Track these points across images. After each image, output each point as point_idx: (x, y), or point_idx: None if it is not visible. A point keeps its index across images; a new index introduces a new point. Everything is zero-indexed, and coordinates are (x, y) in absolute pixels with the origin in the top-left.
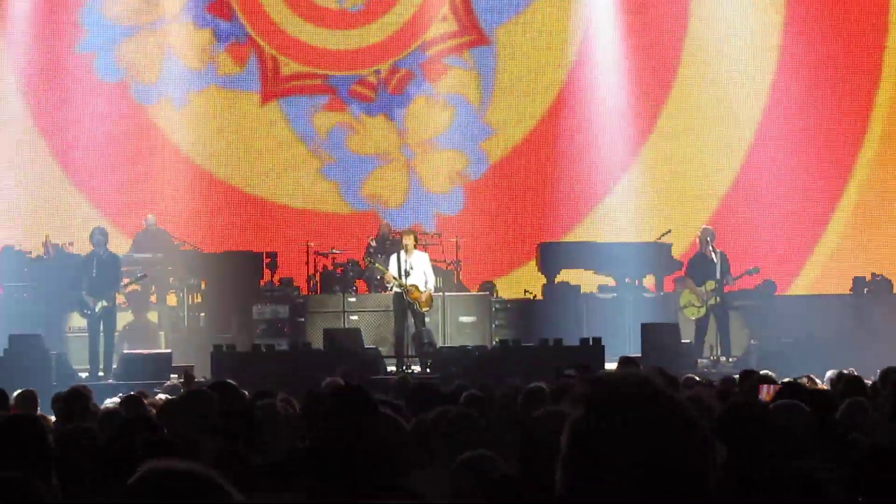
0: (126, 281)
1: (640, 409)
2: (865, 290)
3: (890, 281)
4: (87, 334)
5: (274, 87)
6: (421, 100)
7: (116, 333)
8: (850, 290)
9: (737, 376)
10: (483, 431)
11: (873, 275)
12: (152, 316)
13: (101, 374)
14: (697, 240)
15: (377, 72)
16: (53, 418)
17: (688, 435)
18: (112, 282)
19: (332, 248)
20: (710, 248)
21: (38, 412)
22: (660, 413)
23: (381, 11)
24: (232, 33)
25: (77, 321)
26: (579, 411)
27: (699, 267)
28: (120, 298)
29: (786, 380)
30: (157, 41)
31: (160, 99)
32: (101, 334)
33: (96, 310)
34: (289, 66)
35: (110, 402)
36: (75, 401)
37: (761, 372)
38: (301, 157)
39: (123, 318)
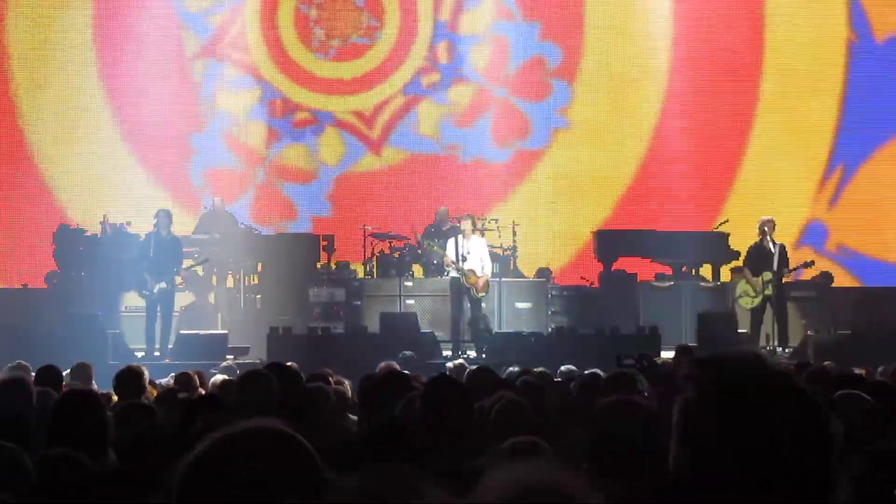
0: (188, 263)
1: (757, 389)
2: None
3: None
4: (142, 314)
5: (378, 127)
6: (474, 51)
7: (175, 314)
8: None
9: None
10: (534, 418)
11: None
12: (211, 297)
13: (156, 353)
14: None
15: (428, 59)
16: (115, 396)
17: (806, 415)
18: (172, 263)
19: (390, 232)
20: (769, 238)
21: (94, 387)
22: (776, 392)
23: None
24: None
25: (132, 301)
26: (691, 392)
27: (756, 257)
28: (178, 279)
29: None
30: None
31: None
32: (159, 315)
33: (154, 291)
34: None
35: (165, 381)
36: (131, 379)
37: (824, 363)
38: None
39: (184, 299)
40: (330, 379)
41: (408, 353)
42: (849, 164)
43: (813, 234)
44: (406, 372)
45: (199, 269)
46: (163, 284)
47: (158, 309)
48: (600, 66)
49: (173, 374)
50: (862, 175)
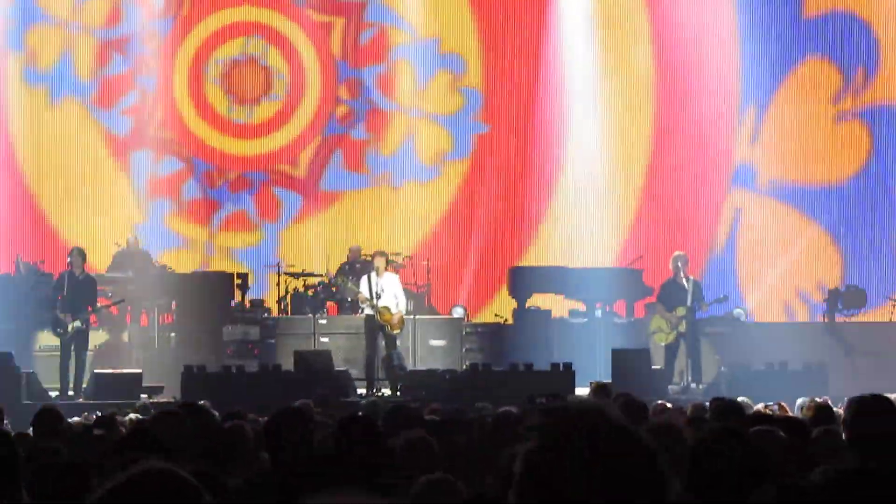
0: (105, 302)
1: (594, 441)
2: (840, 301)
3: (864, 291)
4: (57, 354)
5: (308, 175)
6: (380, 80)
7: (89, 353)
8: (824, 301)
9: (708, 403)
10: (445, 455)
11: (848, 286)
12: (125, 336)
13: (71, 393)
14: (670, 265)
15: (339, 100)
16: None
17: (642, 467)
18: (86, 302)
19: (304, 269)
20: (682, 274)
21: (7, 426)
22: (614, 445)
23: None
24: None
25: (46, 340)
26: (533, 442)
27: (670, 293)
28: (93, 317)
29: (758, 406)
30: None
31: None
32: (73, 353)
33: (69, 330)
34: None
35: (77, 420)
36: (49, 419)
37: (738, 399)
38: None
39: (98, 338)
40: (247, 417)
41: (321, 391)
42: (760, 101)
43: (743, 175)
44: (305, 409)
45: (114, 308)
46: (77, 323)
47: (72, 348)
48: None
49: (86, 413)
50: (774, 108)
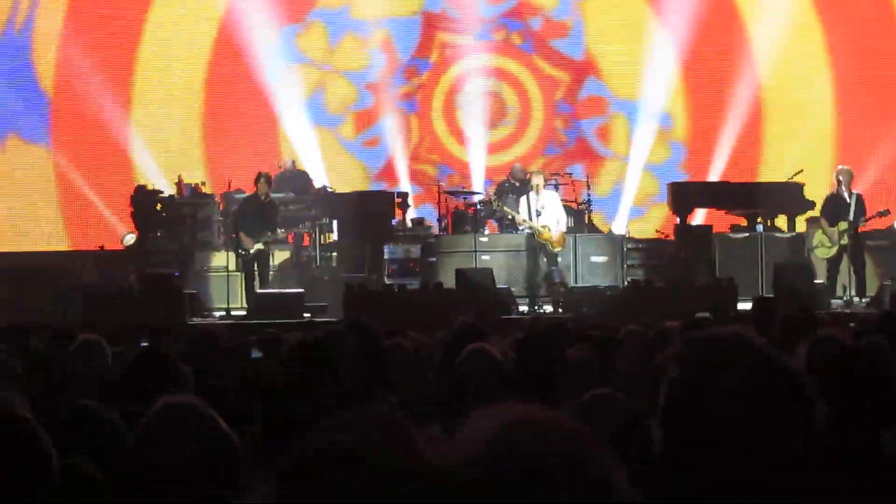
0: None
1: (739, 370)
2: None
3: None
4: (223, 274)
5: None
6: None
7: (270, 273)
8: None
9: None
10: (606, 372)
11: None
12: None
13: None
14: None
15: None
16: None
17: (789, 397)
18: (269, 225)
19: (462, 187)
20: (845, 188)
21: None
22: (759, 373)
23: None
24: None
25: (214, 260)
26: (677, 370)
27: (833, 207)
28: (290, 236)
29: None
30: None
31: None
32: (256, 274)
33: (252, 251)
34: None
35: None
36: (205, 340)
37: None
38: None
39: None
40: (408, 335)
41: (478, 307)
42: None
43: None
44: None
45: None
46: (260, 245)
47: (255, 268)
48: None
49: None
50: None
